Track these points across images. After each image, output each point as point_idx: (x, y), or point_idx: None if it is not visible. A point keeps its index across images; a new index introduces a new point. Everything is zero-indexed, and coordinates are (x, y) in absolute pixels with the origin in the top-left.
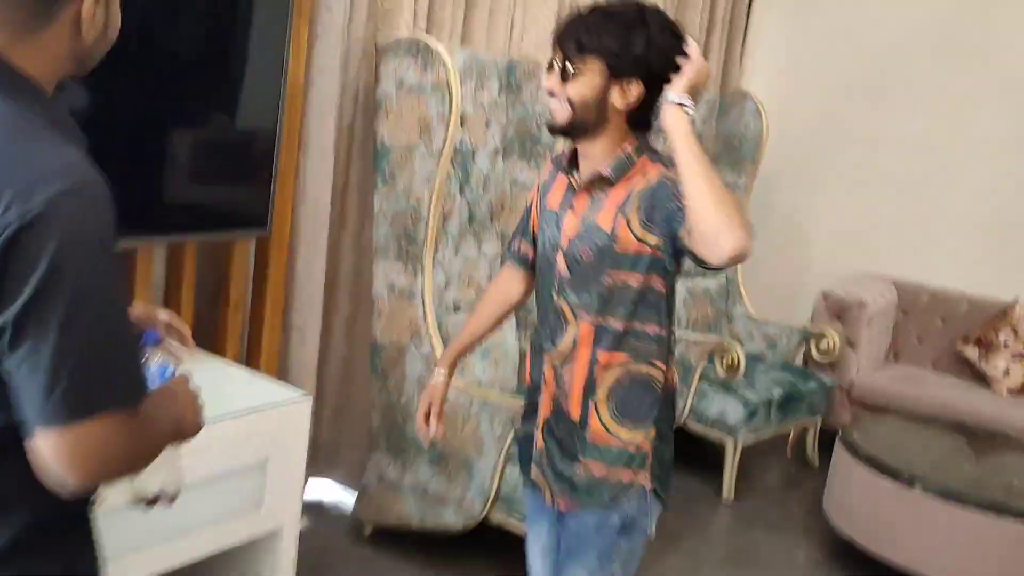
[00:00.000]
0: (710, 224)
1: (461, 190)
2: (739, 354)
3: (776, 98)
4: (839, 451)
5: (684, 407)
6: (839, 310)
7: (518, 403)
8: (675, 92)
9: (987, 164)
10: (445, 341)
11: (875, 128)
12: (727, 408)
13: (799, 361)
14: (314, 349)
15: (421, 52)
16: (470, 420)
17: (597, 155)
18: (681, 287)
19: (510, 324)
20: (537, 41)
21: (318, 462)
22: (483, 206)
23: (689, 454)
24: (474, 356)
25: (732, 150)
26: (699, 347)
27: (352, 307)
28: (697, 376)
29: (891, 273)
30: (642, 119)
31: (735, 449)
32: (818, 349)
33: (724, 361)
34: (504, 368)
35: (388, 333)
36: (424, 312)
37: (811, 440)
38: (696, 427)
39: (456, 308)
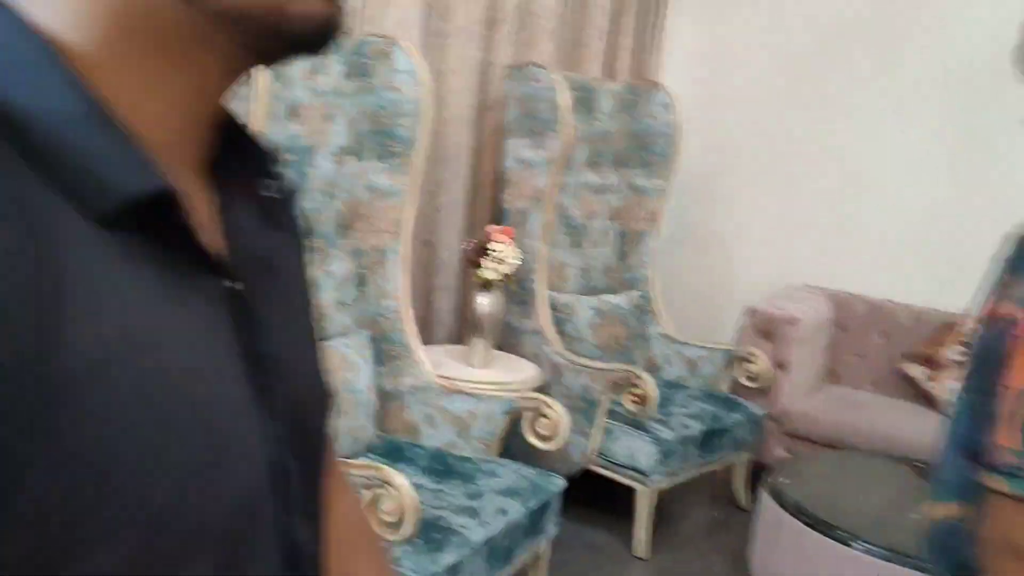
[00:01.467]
0: None
1: None
2: (649, 386)
3: (695, 92)
4: (764, 498)
5: (587, 447)
6: (767, 328)
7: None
8: None
9: (924, 166)
10: None
11: (804, 127)
12: (637, 449)
13: (726, 387)
14: None
15: None
16: None
17: None
18: (585, 305)
19: None
20: (398, 17)
21: None
22: (330, 216)
23: (597, 501)
24: None
25: (644, 148)
26: (603, 376)
27: None
28: (602, 412)
29: (825, 286)
30: None
31: (649, 496)
32: (746, 373)
33: (632, 395)
34: None
35: None
36: None
37: (739, 478)
38: (603, 471)
39: None
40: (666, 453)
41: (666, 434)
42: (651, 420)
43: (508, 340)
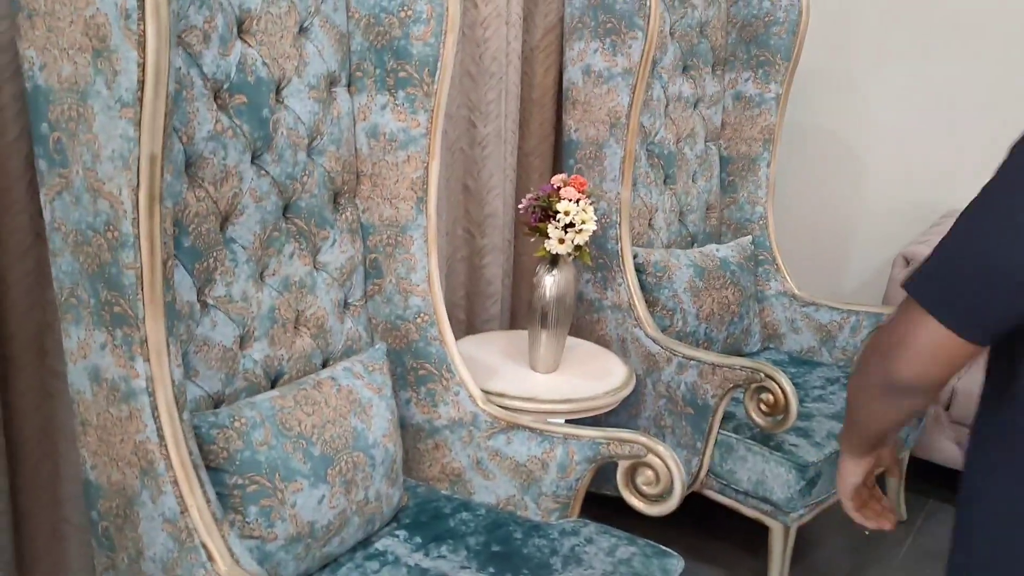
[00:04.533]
0: None
1: (255, 158)
2: (787, 392)
3: None
4: None
5: (699, 467)
6: None
7: None
8: None
9: None
10: (219, 467)
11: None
12: (769, 476)
13: None
14: None
15: None
16: None
17: None
18: (682, 262)
19: None
20: None
21: None
22: (314, 181)
23: (715, 528)
24: None
25: (754, 43)
26: (719, 375)
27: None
28: (716, 421)
29: None
30: None
31: (786, 535)
32: None
33: (761, 401)
34: None
35: (107, 464)
36: (158, 426)
37: (895, 485)
38: (721, 498)
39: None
40: (810, 481)
41: (809, 453)
42: (786, 433)
43: (582, 318)
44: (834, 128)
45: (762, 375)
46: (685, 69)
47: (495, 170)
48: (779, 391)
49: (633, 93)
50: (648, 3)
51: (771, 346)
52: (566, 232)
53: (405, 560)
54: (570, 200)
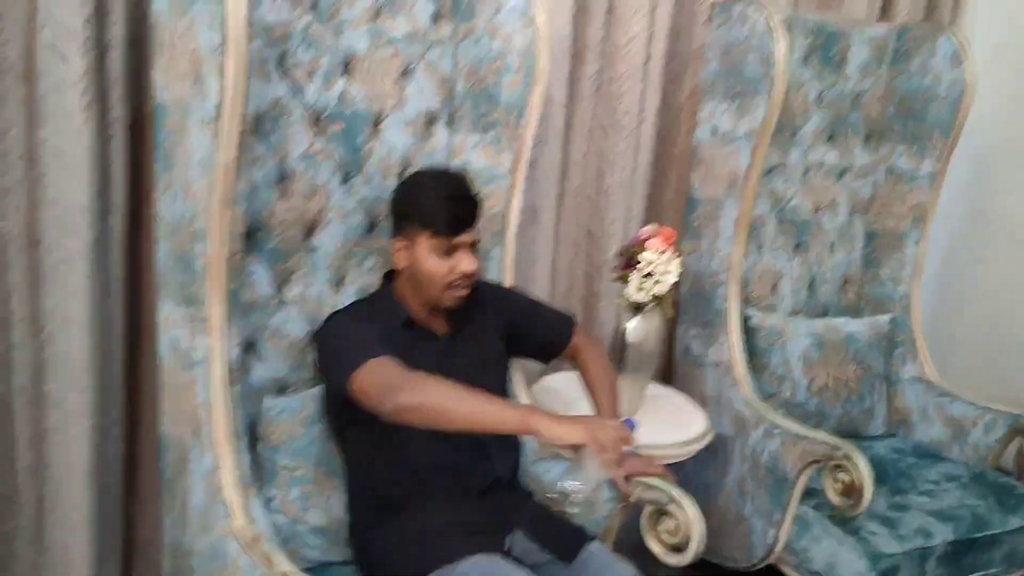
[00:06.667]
0: None
1: (345, 179)
2: (863, 475)
3: (1000, 39)
4: None
5: (775, 540)
6: None
7: None
8: None
9: None
10: (256, 446)
11: None
12: (841, 559)
13: (1008, 464)
14: None
15: None
16: None
17: None
18: (801, 330)
19: None
20: None
21: None
22: None
23: None
24: None
25: (912, 117)
26: (800, 447)
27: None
28: (796, 494)
29: None
30: None
31: None
32: None
33: (838, 480)
34: None
35: (174, 421)
36: (209, 393)
37: None
38: (793, 573)
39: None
40: (885, 572)
41: (888, 543)
42: (868, 516)
43: (686, 371)
44: (1013, 212)
45: (840, 453)
46: (831, 138)
47: (618, 218)
48: (856, 472)
49: (753, 155)
50: (774, 71)
51: (897, 433)
52: (645, 281)
53: None
54: (655, 251)
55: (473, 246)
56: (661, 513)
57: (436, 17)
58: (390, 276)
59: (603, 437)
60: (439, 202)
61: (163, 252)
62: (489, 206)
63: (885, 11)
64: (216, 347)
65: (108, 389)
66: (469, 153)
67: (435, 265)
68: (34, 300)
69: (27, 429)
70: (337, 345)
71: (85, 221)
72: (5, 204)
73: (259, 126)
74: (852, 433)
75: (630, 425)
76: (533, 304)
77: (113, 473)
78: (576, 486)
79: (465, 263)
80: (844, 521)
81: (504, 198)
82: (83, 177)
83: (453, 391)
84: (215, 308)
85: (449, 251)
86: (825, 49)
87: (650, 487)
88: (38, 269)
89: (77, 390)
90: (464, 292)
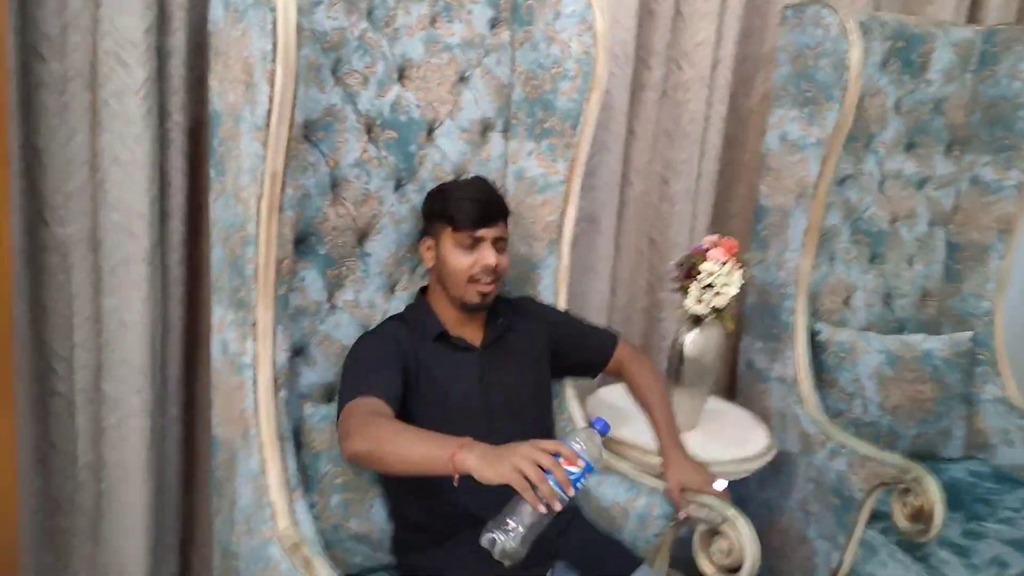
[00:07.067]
0: None
1: (398, 186)
2: (931, 498)
3: None
4: None
5: (839, 564)
6: None
7: None
8: None
9: None
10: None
11: None
12: None
13: None
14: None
15: None
16: None
17: None
18: (873, 346)
19: None
20: None
21: None
22: None
23: None
24: None
25: (999, 124)
26: (868, 468)
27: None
28: (862, 518)
29: None
30: None
31: None
32: None
33: (907, 504)
34: None
35: (224, 423)
36: (255, 398)
37: None
38: None
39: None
40: None
41: (959, 573)
42: (939, 543)
43: (750, 386)
44: None
45: (910, 476)
46: (910, 146)
47: (682, 227)
48: (926, 496)
49: (823, 165)
50: (847, 77)
51: (978, 455)
52: (704, 293)
53: None
54: (716, 262)
55: (497, 243)
56: (714, 532)
57: (494, 23)
58: (424, 291)
59: (527, 470)
60: (460, 198)
61: (217, 256)
62: (544, 214)
63: (974, 12)
64: (263, 352)
65: (166, 390)
66: (524, 161)
67: (458, 259)
68: (96, 301)
69: (89, 426)
70: (344, 376)
71: (144, 224)
72: (70, 208)
73: (311, 133)
74: (928, 455)
75: (601, 427)
76: (573, 320)
77: (171, 472)
78: (502, 536)
79: (487, 257)
80: (913, 547)
81: (559, 206)
82: (143, 182)
83: (393, 435)
84: (263, 313)
85: (472, 246)
86: (906, 52)
87: (703, 505)
88: (99, 271)
89: (134, 390)
90: (487, 288)
